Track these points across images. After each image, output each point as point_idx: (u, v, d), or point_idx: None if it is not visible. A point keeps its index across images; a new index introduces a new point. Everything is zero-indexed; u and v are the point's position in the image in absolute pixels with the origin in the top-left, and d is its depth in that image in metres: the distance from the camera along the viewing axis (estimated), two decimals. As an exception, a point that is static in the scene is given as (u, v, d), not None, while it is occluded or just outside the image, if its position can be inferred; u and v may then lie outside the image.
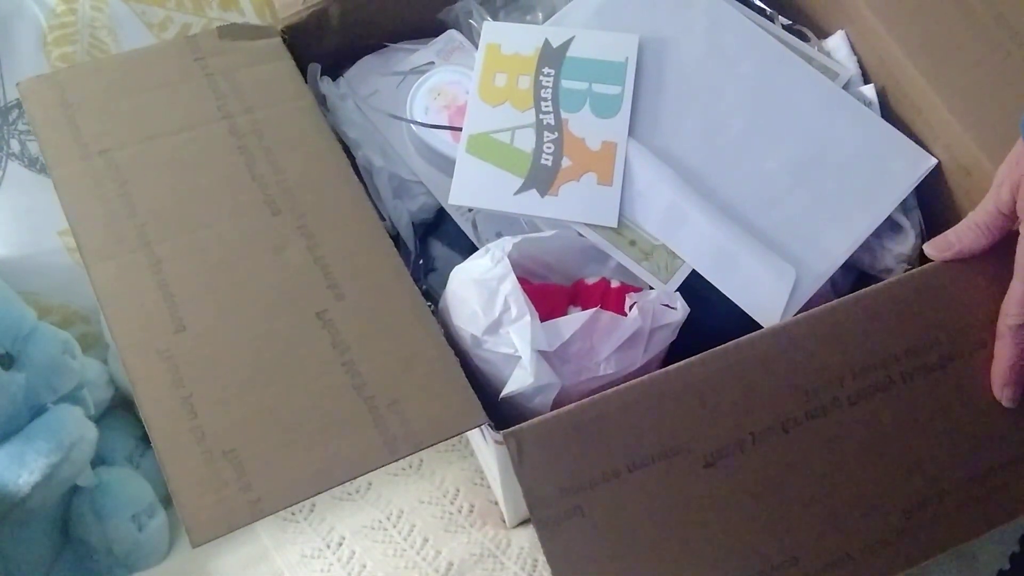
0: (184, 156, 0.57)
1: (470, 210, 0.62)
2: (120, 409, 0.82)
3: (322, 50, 0.67)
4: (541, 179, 0.58)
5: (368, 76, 0.68)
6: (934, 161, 0.60)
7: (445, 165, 0.61)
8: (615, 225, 0.57)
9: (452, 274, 0.53)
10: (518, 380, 0.49)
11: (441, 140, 0.61)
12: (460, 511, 0.65)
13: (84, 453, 0.69)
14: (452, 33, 0.68)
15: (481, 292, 0.51)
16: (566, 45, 0.62)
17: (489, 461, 0.60)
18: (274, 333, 0.50)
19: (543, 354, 0.50)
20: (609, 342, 0.50)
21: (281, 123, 0.59)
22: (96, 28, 0.84)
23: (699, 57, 0.63)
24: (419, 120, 0.62)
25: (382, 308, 0.52)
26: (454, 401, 0.48)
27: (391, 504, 0.68)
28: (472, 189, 0.59)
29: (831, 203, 0.59)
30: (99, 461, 0.73)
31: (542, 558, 0.59)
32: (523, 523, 0.62)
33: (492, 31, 0.63)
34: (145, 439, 0.81)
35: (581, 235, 0.57)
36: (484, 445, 0.57)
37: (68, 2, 0.84)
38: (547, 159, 0.59)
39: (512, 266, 0.51)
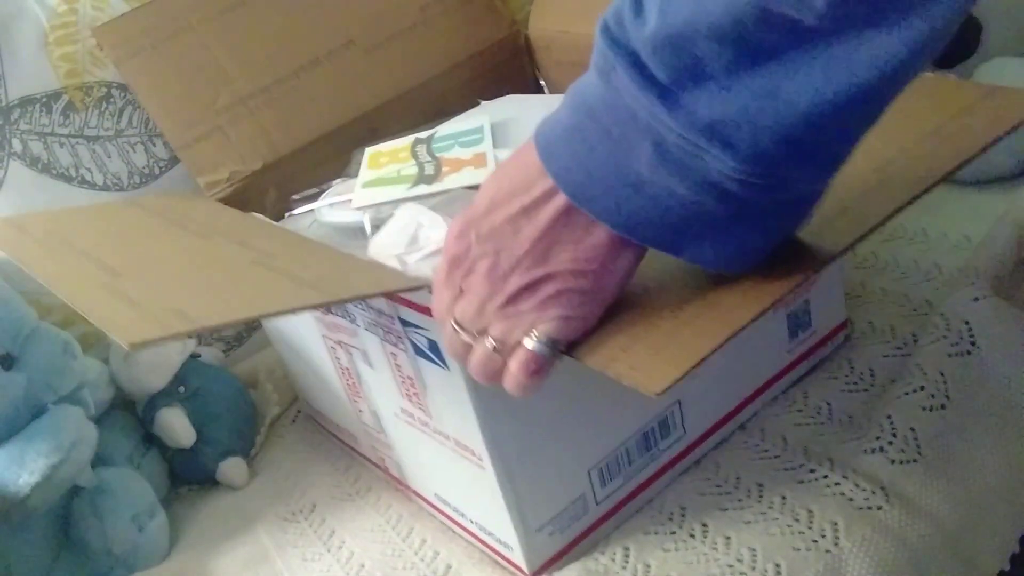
0: (128, 225, 0.69)
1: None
2: (120, 409, 0.82)
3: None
4: (427, 178, 0.67)
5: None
6: None
7: (353, 234, 0.67)
8: None
9: (369, 249, 0.59)
10: None
11: (343, 215, 0.68)
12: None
13: (84, 453, 0.69)
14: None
15: (395, 231, 0.56)
16: (432, 134, 0.74)
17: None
18: (214, 267, 0.56)
19: None
20: None
21: (219, 212, 0.70)
22: (97, 28, 0.84)
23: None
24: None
25: (312, 254, 0.58)
26: (387, 277, 0.52)
27: (391, 508, 0.68)
28: (371, 197, 0.67)
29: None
30: (99, 461, 0.73)
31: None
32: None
33: (372, 148, 0.75)
34: (145, 439, 0.81)
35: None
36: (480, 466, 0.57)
37: (69, 2, 0.84)
38: (430, 170, 0.68)
39: None
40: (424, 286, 0.48)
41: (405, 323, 0.53)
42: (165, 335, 0.41)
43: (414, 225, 0.56)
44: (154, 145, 0.87)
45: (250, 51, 0.74)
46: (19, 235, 0.64)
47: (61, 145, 0.84)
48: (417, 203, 0.58)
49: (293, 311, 0.46)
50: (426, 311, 0.49)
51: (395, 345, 0.55)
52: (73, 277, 0.53)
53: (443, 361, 0.51)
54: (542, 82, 0.89)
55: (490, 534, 0.60)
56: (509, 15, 0.88)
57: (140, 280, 0.52)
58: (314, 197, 0.76)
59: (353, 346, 0.61)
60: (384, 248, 0.57)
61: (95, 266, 0.55)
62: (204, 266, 0.57)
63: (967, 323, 0.64)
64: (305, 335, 0.68)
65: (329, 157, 0.77)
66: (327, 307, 0.54)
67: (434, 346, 0.51)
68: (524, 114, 0.75)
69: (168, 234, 0.66)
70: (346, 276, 0.53)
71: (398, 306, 0.52)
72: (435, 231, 0.55)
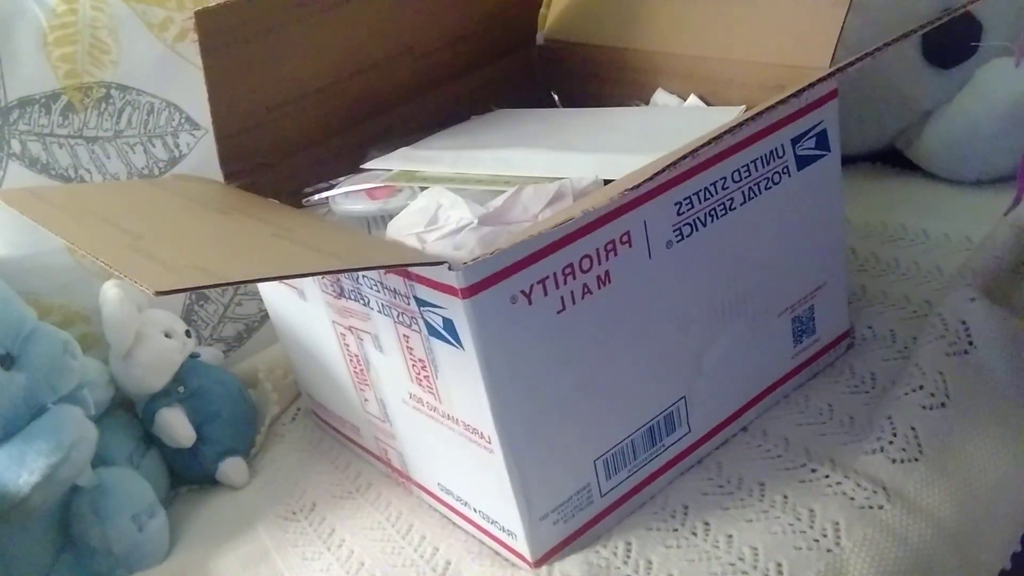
0: (148, 199, 0.69)
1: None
2: (120, 409, 0.82)
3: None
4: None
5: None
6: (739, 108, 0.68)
7: (367, 224, 0.68)
8: None
9: (388, 229, 0.59)
10: (466, 239, 0.54)
11: (359, 204, 0.68)
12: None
13: (84, 453, 0.69)
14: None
15: (415, 210, 0.57)
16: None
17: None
18: (235, 236, 0.58)
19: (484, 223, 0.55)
20: (539, 200, 0.55)
21: (237, 195, 0.70)
22: (97, 28, 0.84)
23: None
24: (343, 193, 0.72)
25: (331, 231, 0.59)
26: (406, 253, 0.54)
27: (391, 506, 0.68)
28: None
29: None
30: (99, 461, 0.73)
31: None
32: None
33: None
34: (145, 439, 0.81)
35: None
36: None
37: (69, 2, 0.84)
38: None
39: None
40: (443, 263, 0.48)
41: (420, 302, 0.53)
42: (189, 286, 0.42)
43: (435, 205, 0.56)
44: (153, 146, 0.87)
45: (321, 55, 0.74)
46: (39, 202, 0.64)
47: (60, 146, 0.84)
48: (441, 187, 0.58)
49: (315, 274, 0.47)
50: (443, 288, 0.49)
51: (408, 327, 0.55)
52: (96, 237, 0.54)
53: (458, 341, 0.51)
54: (554, 94, 0.89)
55: (494, 522, 0.60)
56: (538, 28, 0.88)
57: (162, 243, 0.52)
58: (325, 191, 0.76)
59: (364, 331, 0.61)
60: (403, 228, 0.57)
61: (117, 230, 0.55)
62: (225, 235, 0.57)
63: (964, 323, 0.64)
64: (314, 323, 0.68)
65: (343, 153, 0.77)
66: (347, 273, 0.55)
67: (449, 325, 0.51)
68: (509, 130, 0.75)
69: (188, 208, 0.66)
70: (365, 250, 0.53)
71: (414, 284, 0.52)
72: (455, 211, 0.55)
